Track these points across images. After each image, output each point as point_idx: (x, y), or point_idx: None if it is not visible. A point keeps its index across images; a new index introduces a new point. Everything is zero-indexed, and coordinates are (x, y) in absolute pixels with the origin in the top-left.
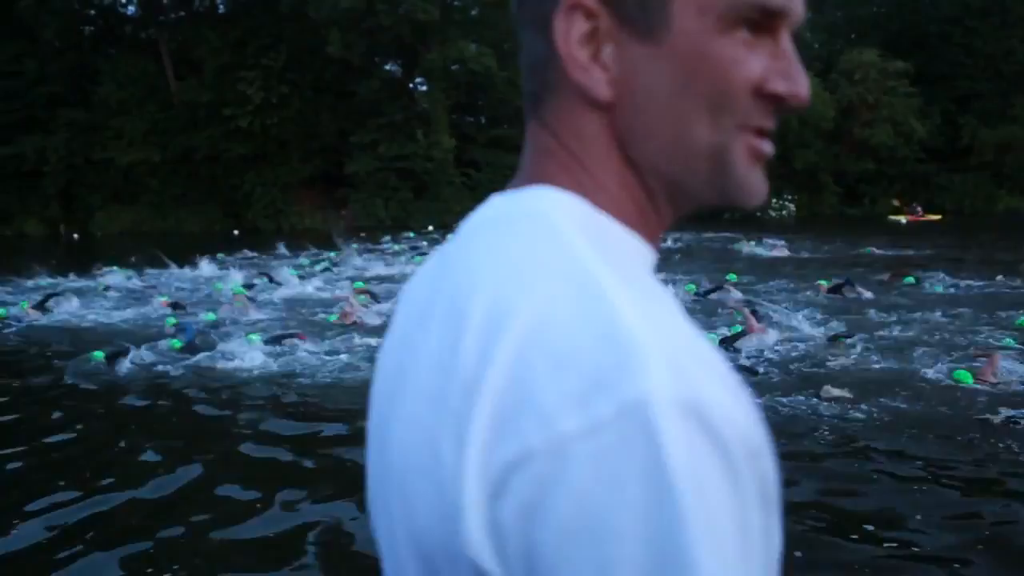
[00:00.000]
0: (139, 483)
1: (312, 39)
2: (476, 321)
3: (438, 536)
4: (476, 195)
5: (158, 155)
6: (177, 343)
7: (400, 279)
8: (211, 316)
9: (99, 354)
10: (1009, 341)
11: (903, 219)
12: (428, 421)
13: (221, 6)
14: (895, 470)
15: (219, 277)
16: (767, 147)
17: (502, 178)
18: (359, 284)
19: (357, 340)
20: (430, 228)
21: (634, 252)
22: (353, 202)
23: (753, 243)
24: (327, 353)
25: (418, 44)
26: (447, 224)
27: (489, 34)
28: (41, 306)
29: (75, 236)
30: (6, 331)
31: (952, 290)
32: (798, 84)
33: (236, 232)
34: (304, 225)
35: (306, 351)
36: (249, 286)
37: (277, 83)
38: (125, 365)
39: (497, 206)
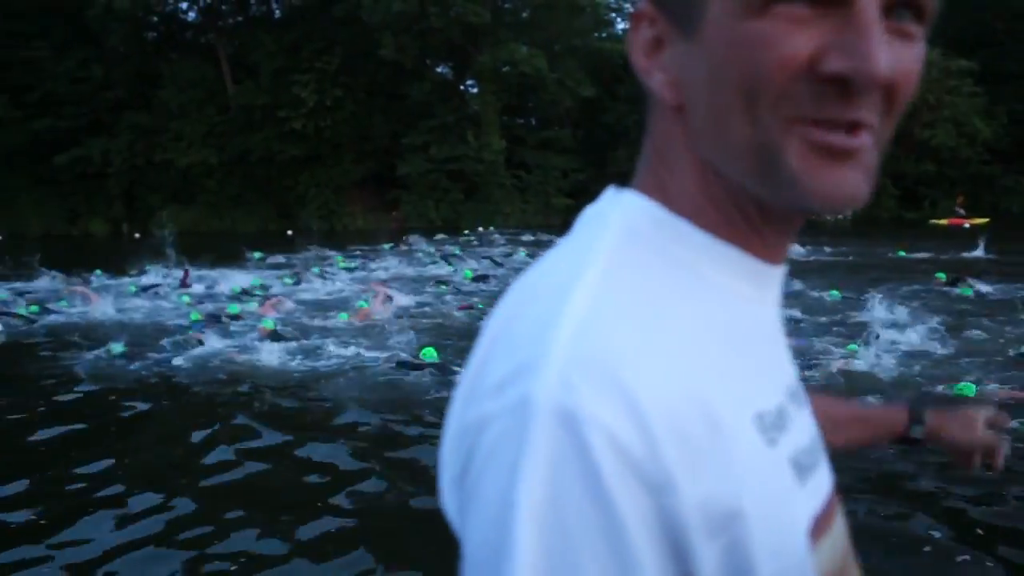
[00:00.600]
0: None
1: (365, 42)
2: (500, 304)
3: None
4: (526, 197)
5: (215, 157)
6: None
7: (417, 280)
8: (234, 308)
9: (118, 347)
10: None
11: (944, 221)
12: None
13: (277, 11)
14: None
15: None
16: (847, 141)
17: (552, 180)
18: (363, 304)
19: (365, 338)
20: (480, 229)
21: (703, 256)
22: (404, 203)
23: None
24: (340, 347)
25: (469, 46)
26: (497, 225)
27: (540, 36)
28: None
29: (137, 235)
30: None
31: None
32: (864, 58)
33: (289, 232)
34: (356, 226)
35: (319, 345)
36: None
37: (331, 86)
38: (140, 359)
39: (598, 203)
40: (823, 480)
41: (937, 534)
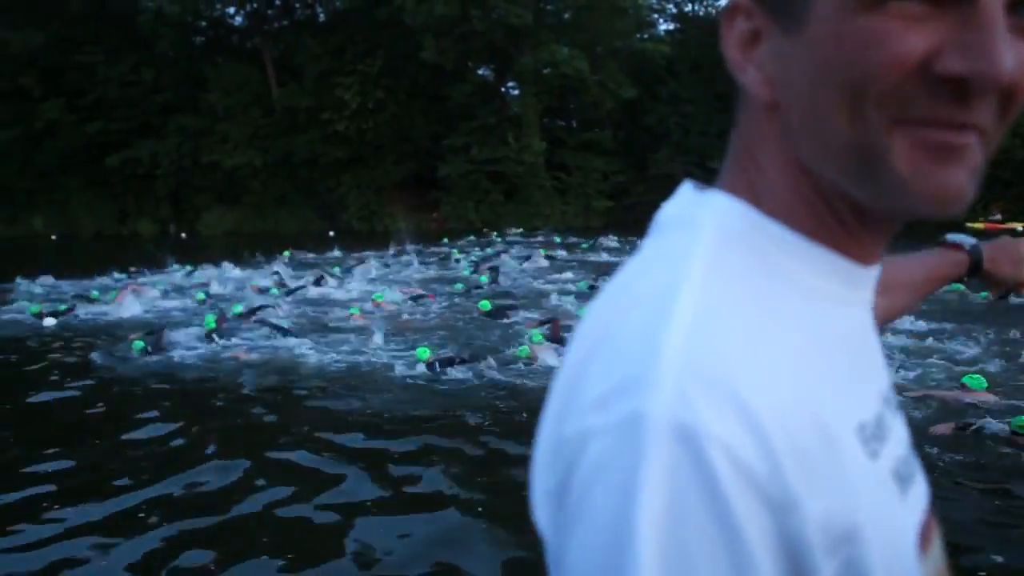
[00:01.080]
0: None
1: (407, 45)
2: (586, 314)
3: (534, 508)
4: (566, 198)
5: (260, 159)
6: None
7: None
8: (238, 308)
9: (139, 344)
10: None
11: (981, 225)
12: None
13: (321, 15)
14: None
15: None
16: (956, 138)
17: (592, 182)
18: (378, 296)
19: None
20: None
21: (800, 260)
22: (445, 204)
23: None
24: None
25: (511, 48)
26: (537, 227)
27: (581, 37)
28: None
29: (183, 235)
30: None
31: None
32: (985, 59)
33: (332, 233)
34: (397, 227)
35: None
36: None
37: (373, 88)
38: (159, 354)
39: (679, 203)
40: (921, 490)
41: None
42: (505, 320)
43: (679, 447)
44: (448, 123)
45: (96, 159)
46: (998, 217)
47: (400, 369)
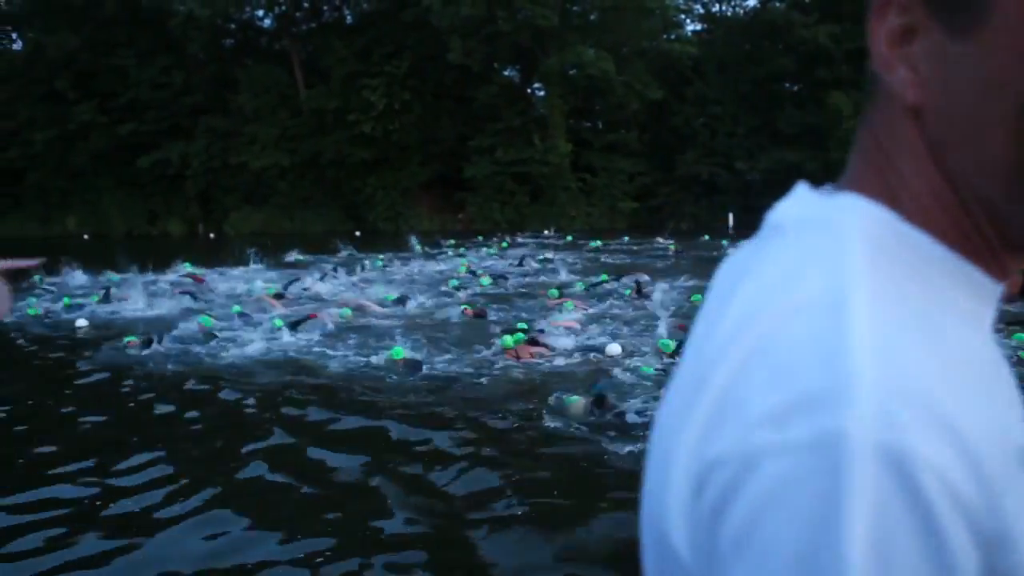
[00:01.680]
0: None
1: (433, 46)
2: (728, 320)
3: (657, 522)
4: (591, 200)
5: (287, 160)
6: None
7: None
8: (236, 308)
9: (132, 338)
10: None
11: None
12: (675, 406)
13: (348, 17)
14: None
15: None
16: None
17: (618, 183)
18: (390, 296)
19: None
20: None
21: (949, 275)
22: (470, 205)
23: None
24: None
25: (537, 50)
26: (562, 228)
27: (608, 38)
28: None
29: (211, 235)
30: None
31: None
32: None
33: (357, 233)
34: (423, 227)
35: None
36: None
37: (400, 90)
38: (152, 349)
39: (803, 203)
40: None
41: None
42: (488, 320)
43: (886, 472)
44: (474, 124)
45: (127, 160)
46: None
47: (373, 367)
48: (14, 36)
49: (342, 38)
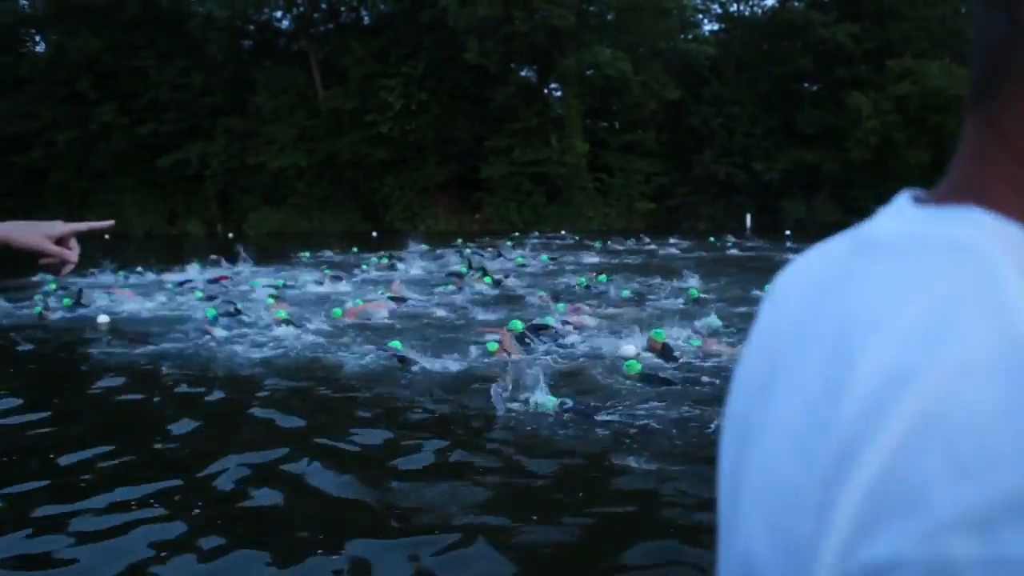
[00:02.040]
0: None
1: (450, 47)
2: (866, 375)
3: None
4: (608, 200)
5: (305, 160)
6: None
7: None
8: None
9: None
10: None
11: None
12: (788, 472)
13: (366, 18)
14: None
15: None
16: None
17: (635, 183)
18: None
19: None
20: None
21: None
22: (487, 206)
23: None
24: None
25: (554, 50)
26: (579, 229)
27: (625, 38)
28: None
29: (230, 235)
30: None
31: None
32: None
33: (374, 234)
34: (439, 228)
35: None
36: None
37: (417, 90)
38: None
39: (912, 220)
40: None
41: None
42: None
43: None
44: (490, 125)
45: (147, 160)
46: None
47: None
48: (37, 38)
49: (359, 39)
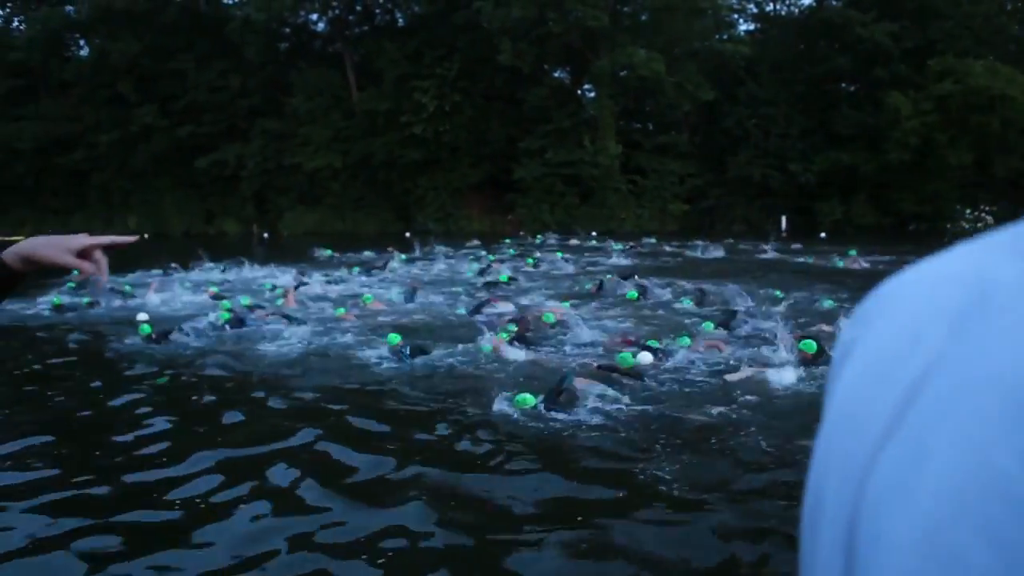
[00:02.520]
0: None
1: (484, 48)
2: None
3: None
4: (641, 202)
5: (340, 161)
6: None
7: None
8: (245, 300)
9: (146, 328)
10: None
11: None
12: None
13: (400, 19)
14: None
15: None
16: None
17: (669, 185)
18: (367, 298)
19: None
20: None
21: None
22: (519, 207)
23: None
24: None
25: (587, 51)
26: (612, 230)
27: (659, 39)
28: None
29: (265, 235)
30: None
31: None
32: None
33: (407, 234)
34: (472, 228)
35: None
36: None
37: (450, 91)
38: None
39: None
40: None
41: None
42: (481, 316)
43: None
44: (524, 126)
45: (186, 161)
46: None
47: (370, 355)
48: (81, 43)
49: (394, 40)
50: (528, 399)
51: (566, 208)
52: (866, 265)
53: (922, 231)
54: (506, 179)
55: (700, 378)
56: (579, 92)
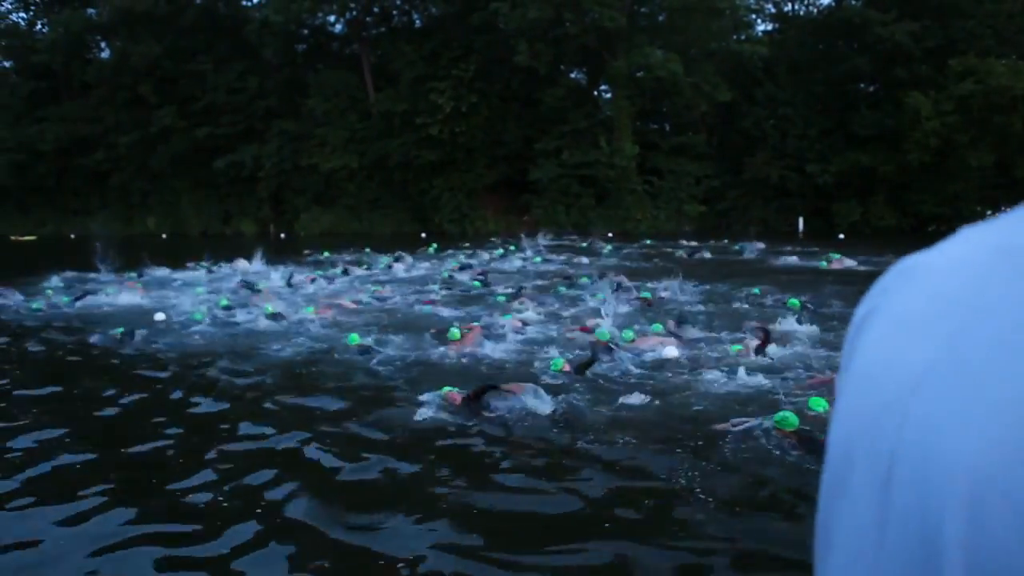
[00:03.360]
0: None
1: (501, 49)
2: None
3: None
4: (657, 203)
5: (356, 162)
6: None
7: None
8: (223, 301)
9: (119, 330)
10: None
11: None
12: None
13: (417, 21)
14: None
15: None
16: None
17: (685, 186)
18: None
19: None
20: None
21: None
22: (535, 208)
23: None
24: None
25: (604, 51)
26: (628, 231)
27: (676, 39)
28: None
29: (282, 236)
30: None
31: None
32: None
33: (423, 235)
34: (488, 229)
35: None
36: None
37: (467, 92)
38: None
39: None
40: None
41: None
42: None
43: None
44: (540, 127)
45: (204, 162)
46: None
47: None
48: (103, 45)
49: (411, 42)
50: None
51: (582, 209)
52: (852, 264)
53: (942, 233)
54: (522, 180)
55: (639, 371)
56: (596, 93)
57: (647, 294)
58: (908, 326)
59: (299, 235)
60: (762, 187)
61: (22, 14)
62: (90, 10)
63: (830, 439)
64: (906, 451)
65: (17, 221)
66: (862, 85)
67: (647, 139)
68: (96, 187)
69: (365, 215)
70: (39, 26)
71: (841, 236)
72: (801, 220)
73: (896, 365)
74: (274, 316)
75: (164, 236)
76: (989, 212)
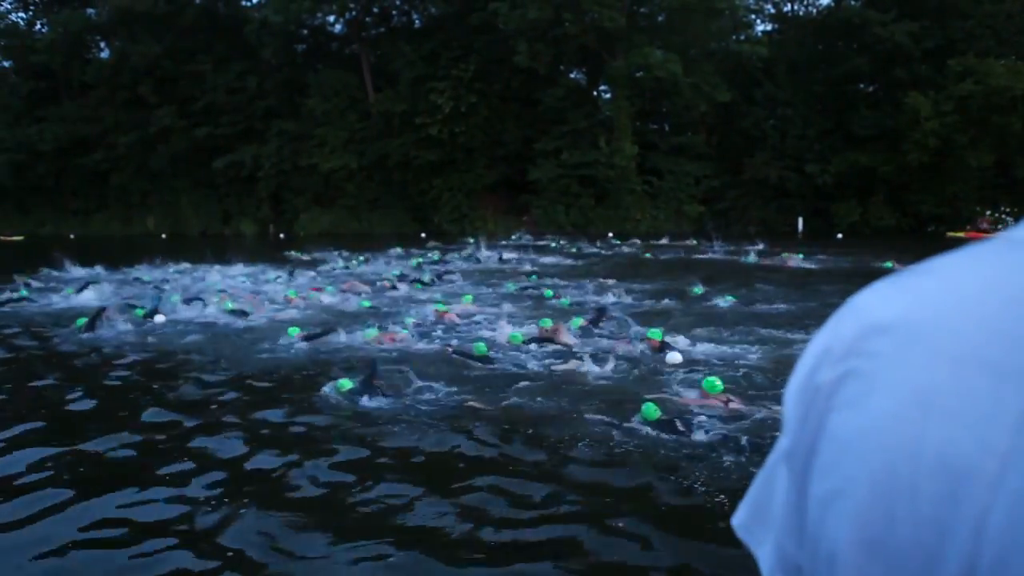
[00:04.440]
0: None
1: (500, 50)
2: None
3: None
4: (657, 203)
5: (355, 162)
6: (140, 311)
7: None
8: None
9: (80, 321)
10: None
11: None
12: None
13: (417, 21)
14: None
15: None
16: None
17: (684, 186)
18: (291, 292)
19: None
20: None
21: None
22: (535, 208)
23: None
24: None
25: (603, 52)
26: (627, 231)
27: (676, 39)
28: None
29: (281, 236)
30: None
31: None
32: None
33: (423, 235)
34: (487, 229)
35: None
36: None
37: (466, 93)
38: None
39: None
40: None
41: None
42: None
43: None
44: (539, 127)
45: (203, 162)
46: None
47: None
48: (102, 45)
49: (410, 42)
50: (345, 383)
51: (581, 209)
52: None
53: (941, 233)
54: (521, 180)
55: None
56: (595, 93)
57: (657, 333)
58: (943, 404)
59: (299, 235)
60: (761, 187)
61: (21, 14)
62: (89, 10)
63: (861, 508)
64: (994, 550)
65: (16, 221)
66: (861, 85)
67: (646, 139)
68: (96, 187)
69: (364, 215)
70: (38, 26)
71: (840, 236)
72: (800, 220)
73: (952, 453)
74: (236, 312)
75: (164, 236)
76: (988, 212)
